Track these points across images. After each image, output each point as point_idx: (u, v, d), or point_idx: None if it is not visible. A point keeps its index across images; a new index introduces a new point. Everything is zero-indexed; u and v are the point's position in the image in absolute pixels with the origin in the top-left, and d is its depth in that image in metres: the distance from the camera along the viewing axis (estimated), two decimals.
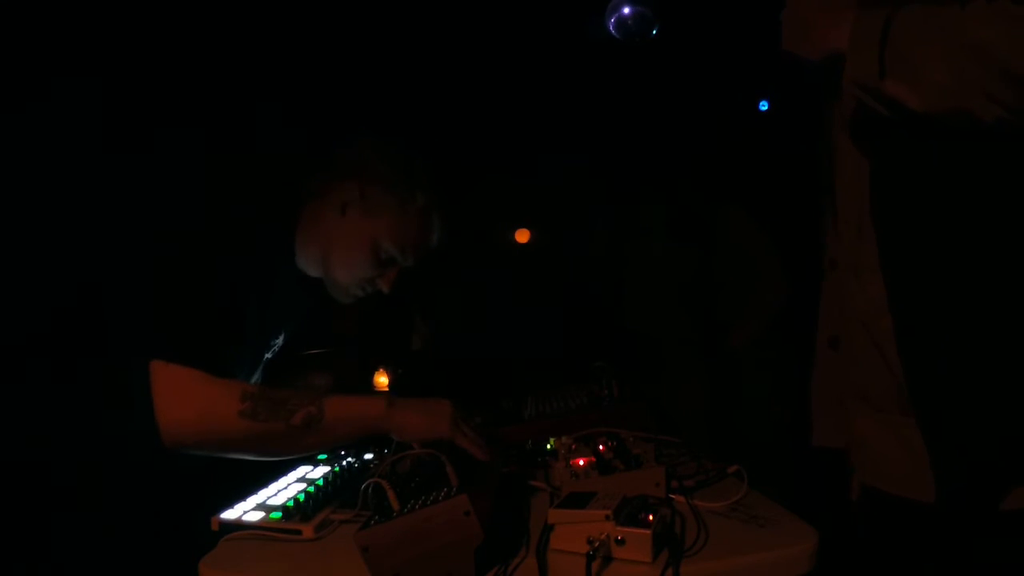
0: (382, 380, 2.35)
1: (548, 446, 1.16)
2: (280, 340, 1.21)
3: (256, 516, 0.90)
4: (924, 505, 0.73)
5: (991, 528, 0.71)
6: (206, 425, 0.93)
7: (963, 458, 0.70)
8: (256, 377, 1.17)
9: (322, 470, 1.08)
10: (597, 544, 0.69)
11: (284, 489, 1.00)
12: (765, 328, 2.47)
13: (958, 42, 0.63)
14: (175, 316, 0.96)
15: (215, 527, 0.89)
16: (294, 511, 0.89)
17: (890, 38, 0.67)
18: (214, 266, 0.99)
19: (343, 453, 1.20)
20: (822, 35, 0.75)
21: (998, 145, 0.67)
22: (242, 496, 0.96)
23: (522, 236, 3.66)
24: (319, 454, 1.19)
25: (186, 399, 0.92)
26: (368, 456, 1.17)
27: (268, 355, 1.20)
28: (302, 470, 1.11)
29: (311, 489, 0.96)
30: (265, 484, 1.02)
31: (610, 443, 1.04)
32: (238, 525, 0.89)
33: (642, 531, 0.71)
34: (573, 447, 1.05)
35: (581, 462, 0.96)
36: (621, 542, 0.71)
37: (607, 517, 0.72)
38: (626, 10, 2.51)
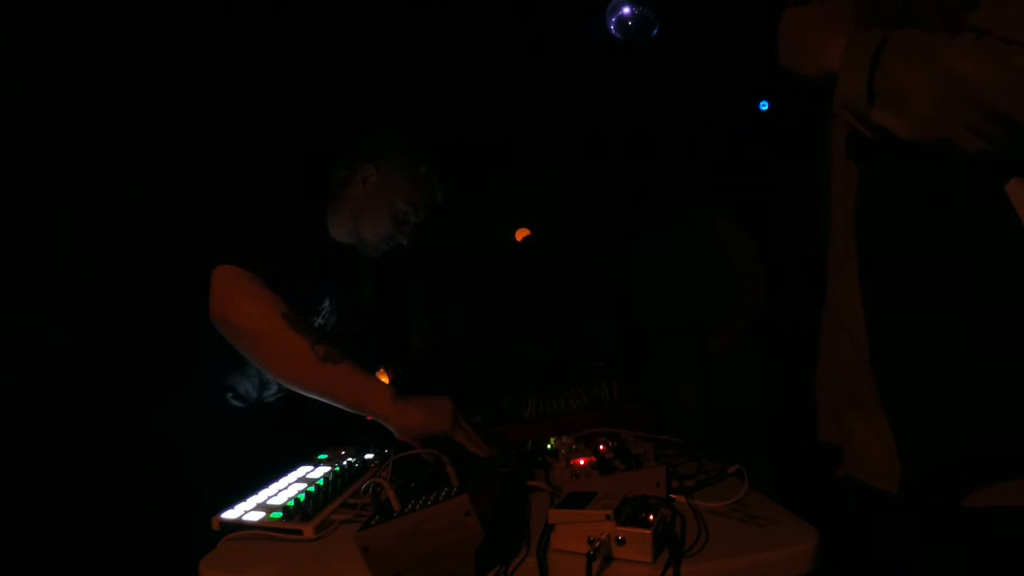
0: (382, 380, 2.34)
1: (548, 446, 1.16)
2: (326, 304, 1.36)
3: (256, 516, 0.90)
4: (891, 495, 0.76)
5: (949, 523, 0.74)
6: (254, 311, 1.07)
7: (928, 454, 0.73)
8: None
9: (322, 470, 1.08)
10: (598, 544, 0.69)
11: (284, 489, 1.00)
12: (746, 331, 2.47)
13: (942, 75, 0.63)
14: (243, 248, 1.13)
15: (215, 527, 0.89)
16: (294, 511, 0.89)
17: (880, 64, 0.68)
18: (273, 225, 1.19)
19: (343, 453, 1.20)
20: (816, 53, 0.75)
21: (982, 172, 0.68)
22: (242, 496, 0.96)
23: (521, 234, 3.66)
24: (320, 453, 1.19)
25: (243, 288, 1.08)
26: (368, 456, 1.17)
27: (319, 320, 1.35)
28: (302, 470, 1.11)
29: (311, 489, 0.96)
30: (265, 484, 1.02)
31: (610, 443, 1.04)
32: (238, 525, 0.89)
33: (643, 531, 0.71)
34: (573, 447, 1.05)
35: (581, 462, 0.96)
36: (622, 542, 0.71)
37: (608, 517, 0.72)
38: (626, 10, 2.51)
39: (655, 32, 2.54)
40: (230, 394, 1.23)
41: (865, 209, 0.78)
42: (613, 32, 2.54)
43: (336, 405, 1.10)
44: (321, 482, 1.00)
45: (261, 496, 0.97)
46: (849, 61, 0.70)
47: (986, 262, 0.69)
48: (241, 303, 1.07)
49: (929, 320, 0.72)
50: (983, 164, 0.66)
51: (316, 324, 1.34)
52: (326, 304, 1.37)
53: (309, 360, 1.06)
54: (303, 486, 1.00)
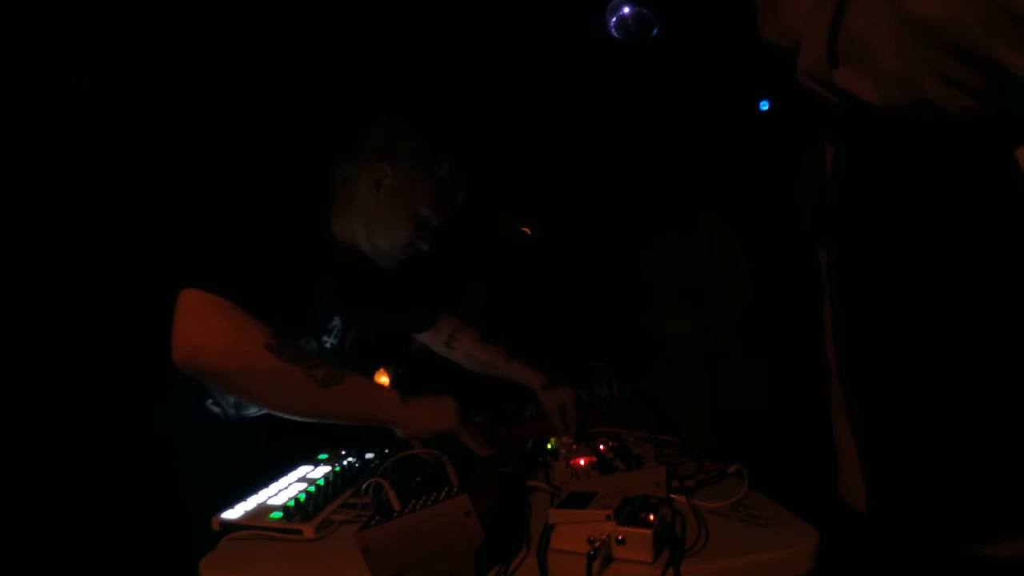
0: (382, 380, 2.34)
1: (548, 446, 1.16)
2: (336, 322, 1.24)
3: (256, 516, 0.90)
4: (859, 514, 0.71)
5: (913, 551, 0.70)
6: (231, 350, 0.93)
7: (890, 479, 0.67)
8: None
9: (322, 470, 1.08)
10: (598, 544, 0.69)
11: (285, 489, 1.00)
12: (739, 328, 2.48)
13: (904, 19, 0.53)
14: (215, 263, 0.98)
15: (215, 527, 0.89)
16: (295, 511, 0.89)
17: (843, 20, 0.58)
18: (256, 236, 1.03)
19: (343, 453, 1.20)
20: (787, 17, 0.66)
21: (961, 156, 0.59)
22: (243, 496, 0.96)
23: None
24: (320, 453, 1.19)
25: (214, 322, 0.93)
26: (368, 456, 1.17)
27: (331, 340, 1.23)
28: (302, 470, 1.11)
29: (312, 489, 0.96)
30: (266, 484, 1.02)
31: (610, 443, 1.04)
32: (238, 525, 0.88)
33: (643, 531, 0.71)
34: (574, 447, 1.05)
35: (582, 462, 0.96)
36: (622, 542, 0.71)
37: (608, 517, 0.72)
38: (626, 10, 2.52)
39: (655, 32, 2.54)
40: (210, 400, 1.13)
41: (837, 195, 0.70)
42: (613, 32, 2.54)
43: (342, 423, 1.04)
44: (321, 482, 1.00)
45: (261, 496, 0.97)
46: (811, 22, 0.62)
47: (976, 261, 0.60)
48: (212, 343, 0.92)
49: (900, 325, 0.64)
50: (973, 129, 0.56)
51: (328, 345, 1.24)
52: (336, 321, 1.25)
53: (308, 388, 0.96)
54: (303, 486, 1.00)
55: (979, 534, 0.63)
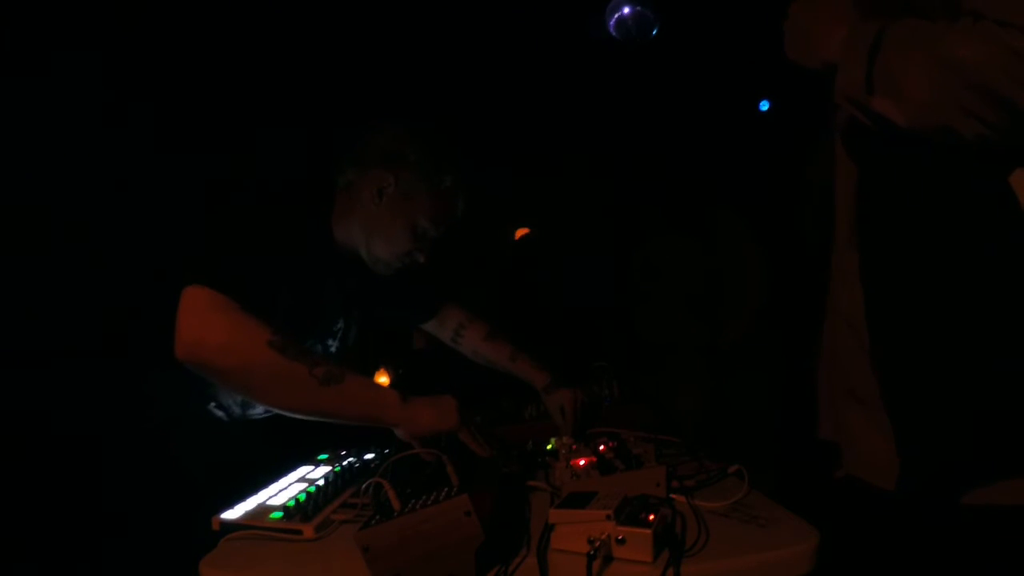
0: (382, 380, 2.35)
1: (548, 446, 1.16)
2: (341, 324, 1.24)
3: (256, 516, 0.90)
4: (889, 494, 0.76)
5: (946, 523, 0.74)
6: (232, 346, 0.94)
7: (927, 452, 0.73)
8: None
9: (322, 470, 1.08)
10: (598, 544, 0.69)
11: (285, 489, 1.00)
12: (748, 328, 2.48)
13: (939, 59, 0.64)
14: (219, 261, 0.99)
15: (215, 527, 0.89)
16: (295, 511, 0.89)
17: (879, 53, 0.68)
18: (260, 235, 1.03)
19: (343, 453, 1.20)
20: (819, 45, 0.76)
21: (984, 162, 0.68)
22: (243, 496, 0.96)
23: (520, 234, 3.66)
24: (320, 453, 1.19)
25: (216, 318, 0.94)
26: (368, 456, 1.17)
27: (335, 343, 1.23)
28: (302, 470, 1.11)
29: (312, 489, 0.96)
30: (266, 484, 1.02)
31: (610, 443, 1.04)
32: (239, 525, 0.88)
33: (643, 531, 0.71)
34: (574, 447, 1.05)
35: (582, 462, 0.96)
36: (622, 542, 0.71)
37: (608, 517, 0.72)
38: (626, 10, 2.52)
39: (655, 32, 2.54)
40: (213, 404, 1.14)
41: (866, 202, 0.78)
42: (613, 32, 2.54)
43: (342, 423, 1.04)
44: (321, 482, 1.00)
45: (261, 496, 0.97)
46: (848, 52, 0.71)
47: (989, 256, 0.68)
48: (215, 339, 0.94)
49: (931, 315, 0.71)
50: (985, 152, 0.66)
51: (334, 349, 1.24)
52: (340, 324, 1.25)
53: (309, 386, 0.97)
54: (303, 486, 1.00)
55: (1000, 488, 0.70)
